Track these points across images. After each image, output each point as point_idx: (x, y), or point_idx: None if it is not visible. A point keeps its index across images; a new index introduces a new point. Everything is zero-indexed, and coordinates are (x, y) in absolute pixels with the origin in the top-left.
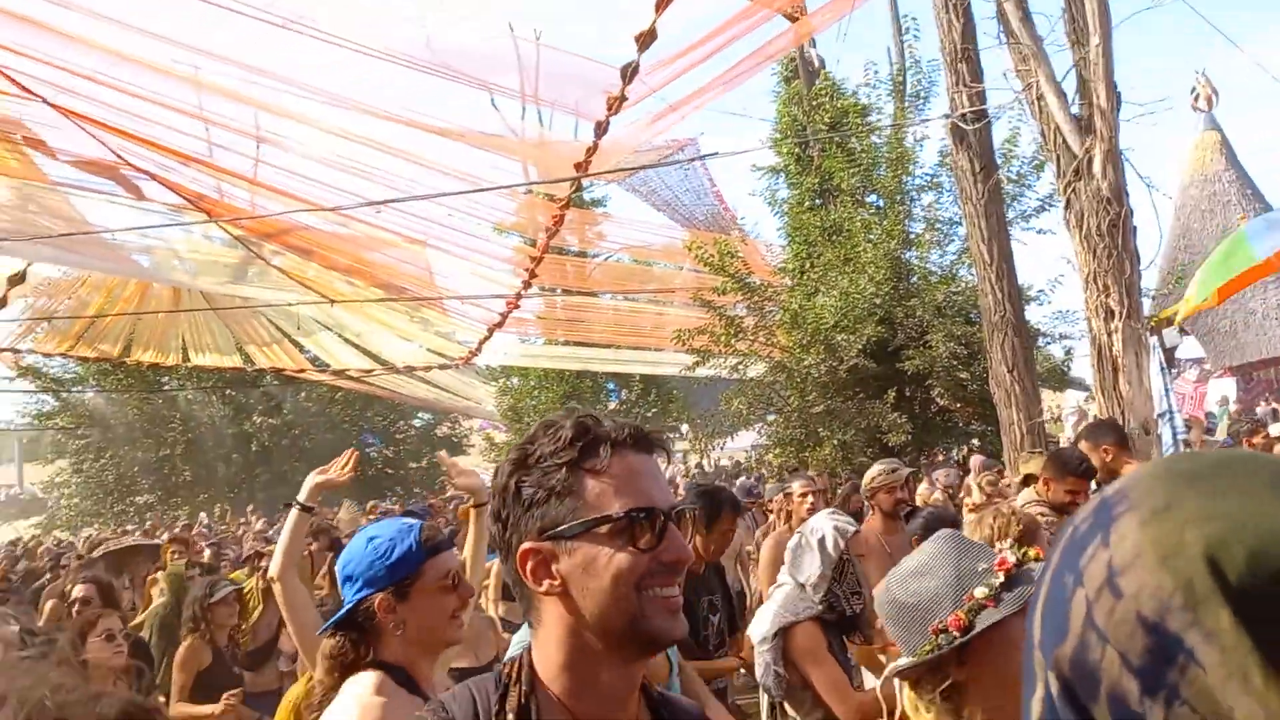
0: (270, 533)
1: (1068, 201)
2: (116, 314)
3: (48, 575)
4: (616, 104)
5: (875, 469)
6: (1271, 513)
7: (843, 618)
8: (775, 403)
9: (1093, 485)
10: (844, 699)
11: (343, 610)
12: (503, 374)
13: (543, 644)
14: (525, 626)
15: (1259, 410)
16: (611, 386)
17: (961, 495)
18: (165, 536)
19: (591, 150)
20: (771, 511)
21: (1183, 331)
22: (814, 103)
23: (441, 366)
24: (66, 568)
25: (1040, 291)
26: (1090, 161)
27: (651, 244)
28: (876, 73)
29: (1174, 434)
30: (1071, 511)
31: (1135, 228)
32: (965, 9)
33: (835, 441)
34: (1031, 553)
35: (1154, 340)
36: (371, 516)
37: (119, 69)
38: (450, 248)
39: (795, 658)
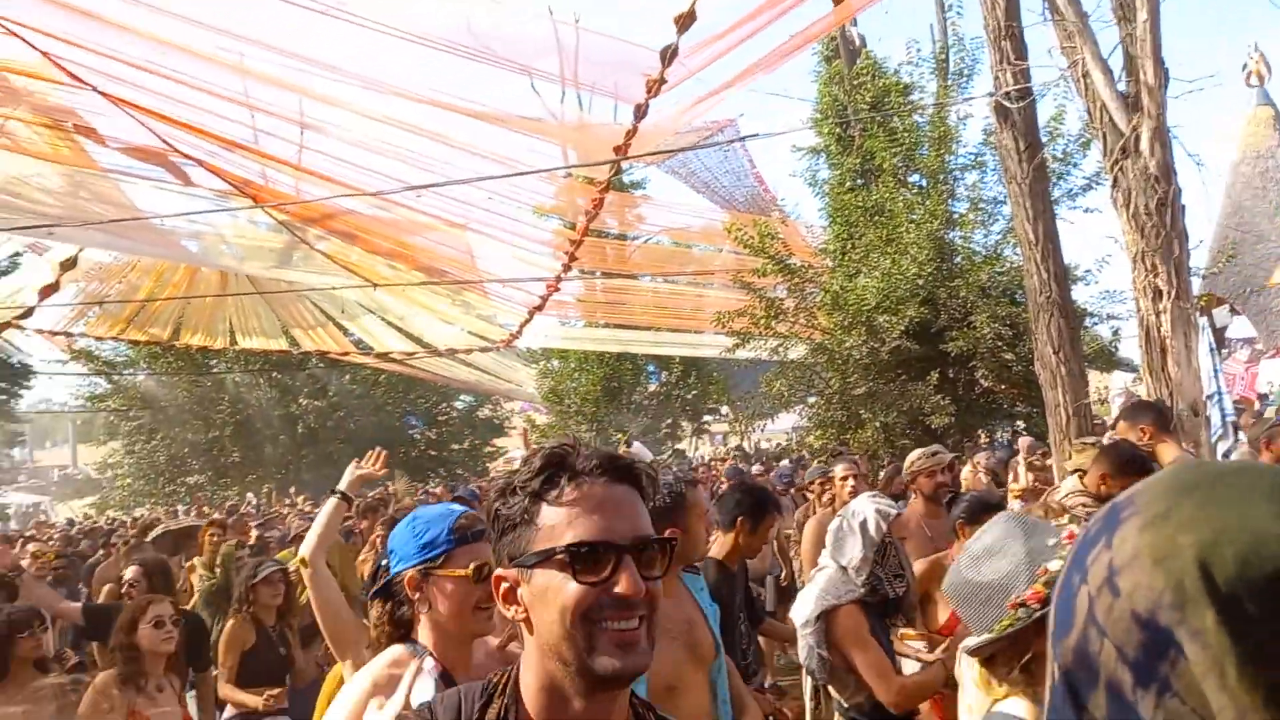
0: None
1: (1114, 180)
2: (166, 298)
3: (100, 553)
4: (656, 87)
5: (916, 453)
6: (1263, 520)
7: (885, 600)
8: (816, 385)
9: None
10: (887, 682)
11: (384, 580)
12: (543, 356)
13: (524, 664)
14: None
15: None
16: (652, 369)
17: (1010, 479)
18: (214, 516)
19: (631, 133)
20: (811, 494)
21: (1233, 311)
22: (855, 82)
23: (483, 349)
24: (115, 546)
25: (1087, 271)
26: (1137, 139)
27: (691, 226)
28: (919, 51)
29: (1222, 416)
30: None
31: (1184, 206)
32: None
33: (877, 424)
34: None
35: (1203, 320)
36: (419, 498)
37: (167, 57)
38: (491, 231)
39: (838, 640)
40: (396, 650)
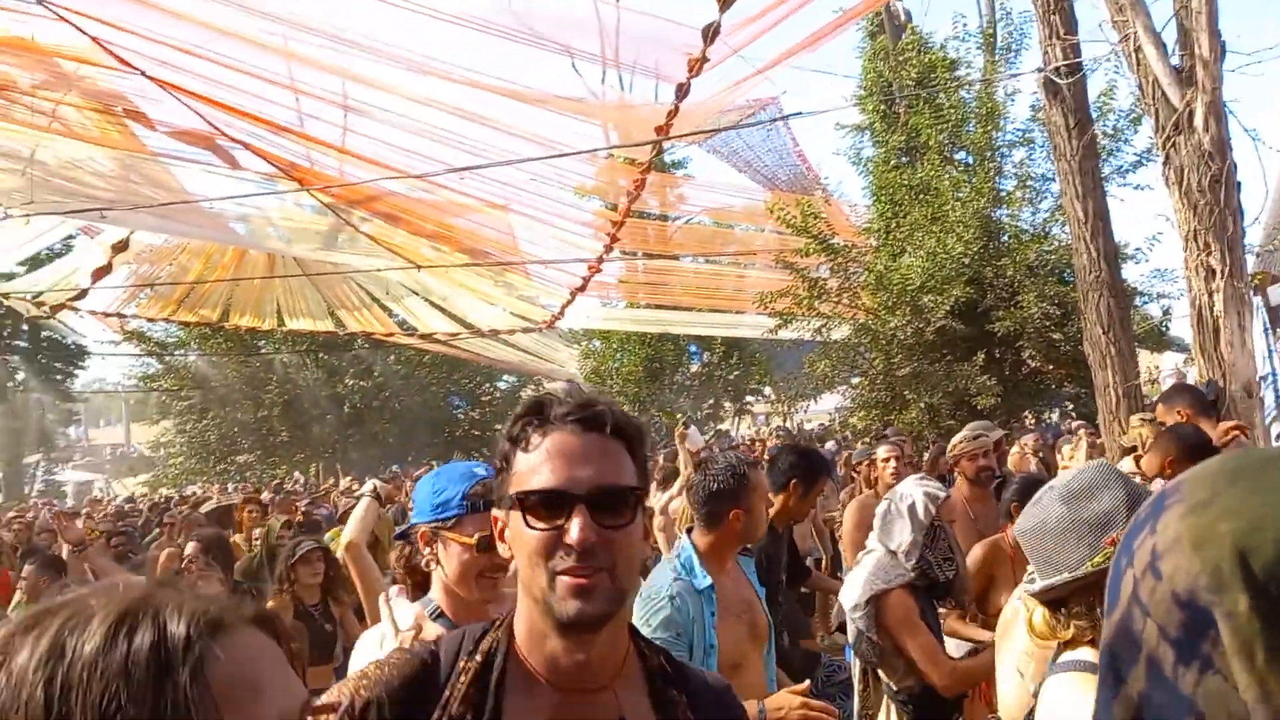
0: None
1: (1167, 157)
2: (215, 280)
3: (156, 530)
4: (697, 65)
5: (959, 435)
6: None
7: (934, 584)
8: (859, 365)
9: None
10: (939, 665)
11: (404, 527)
12: (585, 337)
13: (518, 602)
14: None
15: None
16: (693, 349)
17: (1067, 460)
18: (250, 494)
19: (672, 113)
20: (859, 475)
21: None
22: (900, 58)
23: (525, 330)
24: (172, 524)
25: (1137, 249)
26: (1191, 115)
27: (733, 206)
28: (965, 25)
29: (1277, 397)
30: None
31: (1239, 183)
32: None
33: (922, 404)
34: None
35: (1258, 300)
36: None
37: (213, 41)
38: (533, 212)
39: (888, 625)
40: (413, 606)
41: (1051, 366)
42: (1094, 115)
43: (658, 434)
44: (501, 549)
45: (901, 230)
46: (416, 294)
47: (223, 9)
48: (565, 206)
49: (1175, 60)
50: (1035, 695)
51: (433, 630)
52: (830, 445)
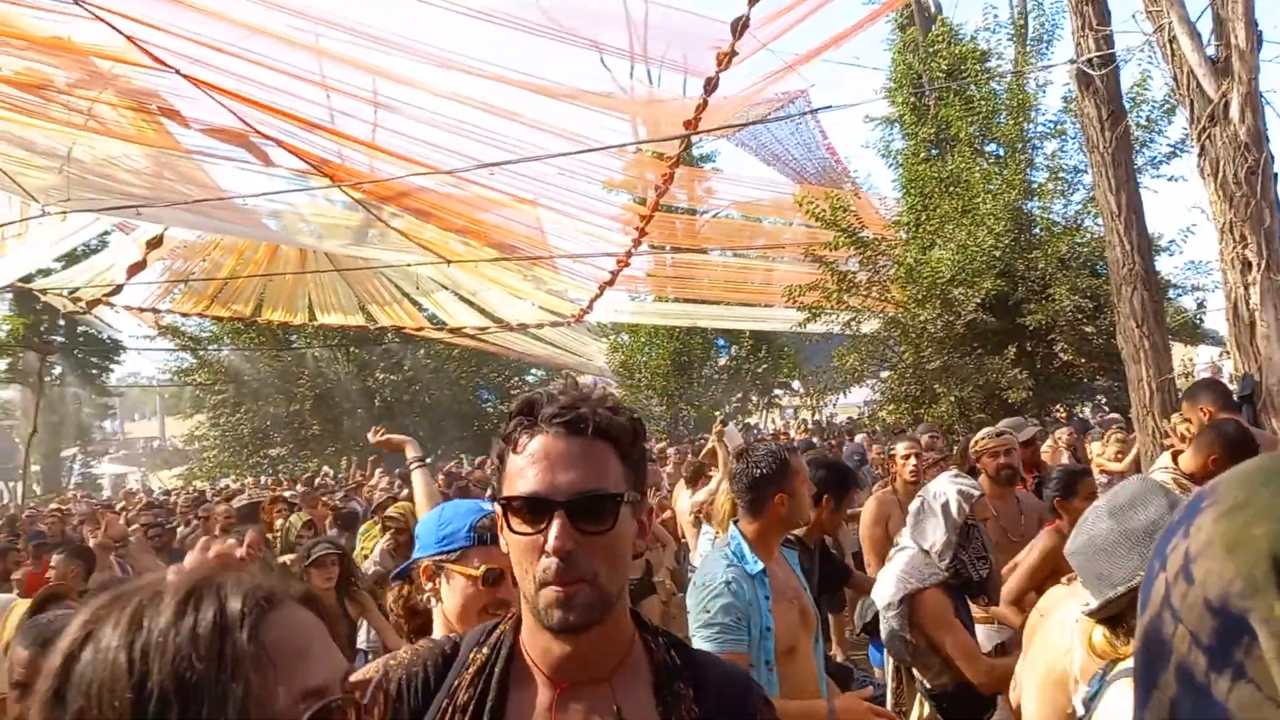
0: (394, 487)
1: (1202, 148)
2: (248, 275)
3: (195, 523)
4: (726, 60)
5: (984, 431)
6: None
7: (968, 582)
8: (889, 359)
9: None
10: (978, 664)
11: (405, 565)
12: (613, 331)
13: None
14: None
15: None
16: (722, 343)
17: (1098, 456)
18: (279, 493)
19: (701, 107)
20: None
21: None
22: (930, 49)
23: (554, 324)
24: (207, 517)
25: (1171, 242)
26: (1227, 105)
27: (761, 200)
28: (996, 16)
29: None
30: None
31: (1276, 174)
32: None
33: (952, 398)
34: None
35: None
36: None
37: (246, 40)
38: (561, 207)
39: (923, 623)
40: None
41: (1084, 360)
42: (1127, 106)
43: (685, 427)
44: (503, 542)
45: (932, 223)
46: (446, 288)
47: (255, 7)
48: (594, 201)
49: (1211, 50)
50: (1086, 702)
51: None
52: (859, 439)
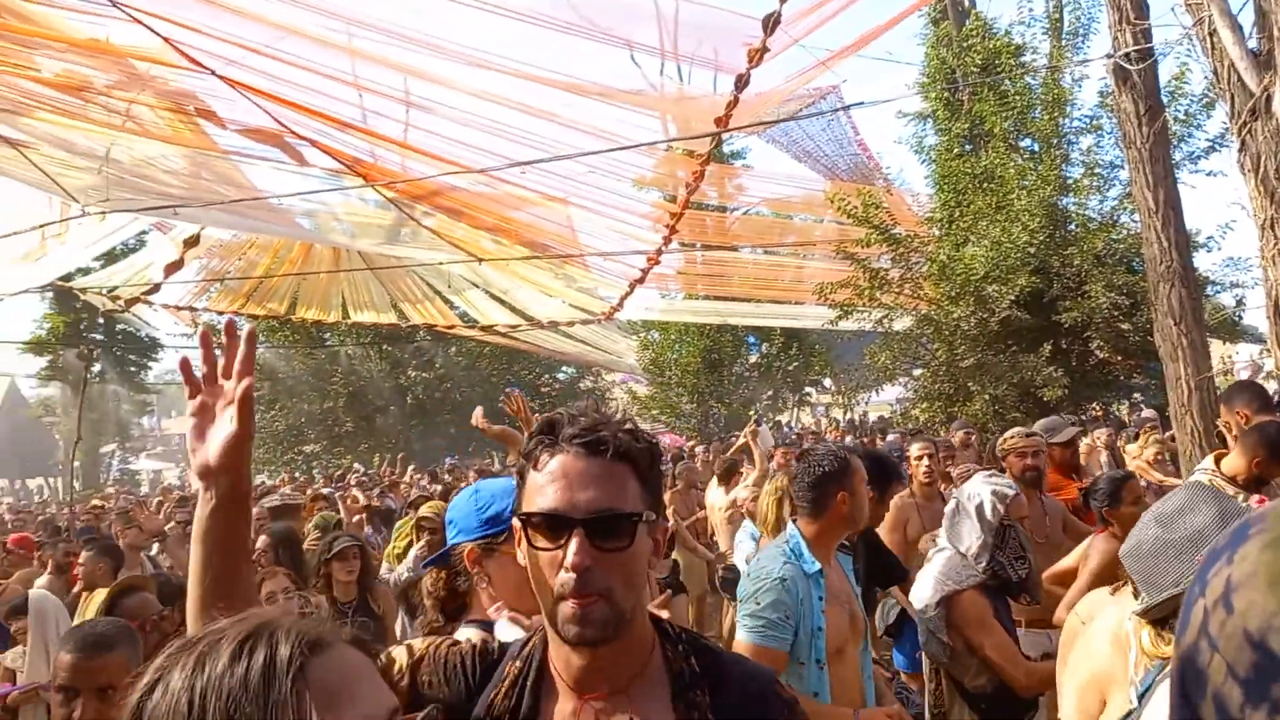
0: (426, 483)
1: (1243, 143)
2: (282, 274)
3: None
4: (758, 56)
5: (1014, 430)
6: None
7: (1006, 582)
8: (922, 356)
9: None
10: (1018, 666)
11: (442, 550)
12: (644, 328)
13: None
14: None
15: None
16: (752, 340)
17: (1139, 454)
18: (320, 490)
19: (732, 104)
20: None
21: None
22: (964, 44)
23: (584, 322)
24: None
25: (1209, 238)
26: (1269, 100)
27: (792, 196)
28: (1031, 10)
29: None
30: (1267, 491)
31: None
32: None
33: (986, 396)
34: None
35: None
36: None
37: (280, 41)
38: (591, 205)
39: (960, 626)
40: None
41: (1120, 358)
42: (1165, 100)
43: (716, 425)
44: (519, 555)
45: (965, 219)
46: (477, 286)
47: (289, 8)
48: (624, 199)
49: (1252, 43)
50: (1139, 699)
51: None
52: (892, 437)
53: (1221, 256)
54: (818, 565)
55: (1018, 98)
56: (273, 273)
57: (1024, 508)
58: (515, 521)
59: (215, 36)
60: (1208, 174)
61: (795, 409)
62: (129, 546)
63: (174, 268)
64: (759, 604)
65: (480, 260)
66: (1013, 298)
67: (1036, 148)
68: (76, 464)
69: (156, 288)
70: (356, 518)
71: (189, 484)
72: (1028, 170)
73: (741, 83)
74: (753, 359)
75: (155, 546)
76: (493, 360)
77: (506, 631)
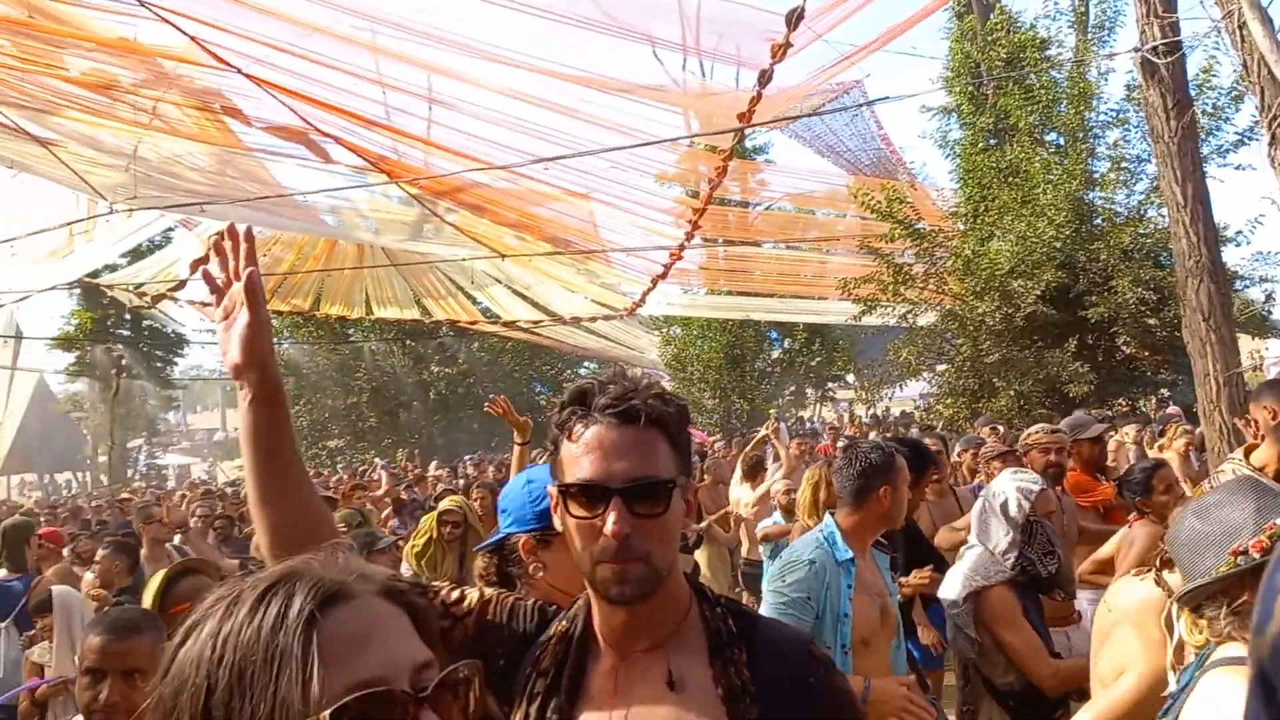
0: (445, 475)
1: (1272, 136)
2: (307, 270)
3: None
4: (781, 51)
5: (1038, 426)
6: None
7: (1036, 579)
8: (946, 351)
9: None
10: (1043, 664)
11: (496, 537)
12: (666, 324)
13: None
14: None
15: None
16: (774, 335)
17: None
18: (356, 481)
19: (755, 99)
20: (960, 463)
21: None
22: (989, 38)
23: (606, 317)
24: None
25: (1238, 232)
26: None
27: (815, 191)
28: (1056, 3)
29: None
30: None
31: None
32: None
33: (1011, 392)
34: None
35: None
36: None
37: (305, 39)
38: (614, 200)
39: (988, 622)
40: None
41: (1147, 353)
42: (1193, 94)
43: (738, 420)
44: (557, 521)
45: (990, 214)
46: (500, 282)
47: (314, 6)
48: (646, 194)
49: None
50: (1177, 695)
51: None
52: (915, 433)
53: (1250, 251)
54: (849, 554)
55: (1043, 92)
56: (297, 269)
57: (1051, 503)
58: (552, 489)
59: (241, 35)
60: (1236, 168)
61: (818, 404)
62: (152, 540)
63: (200, 264)
64: (784, 581)
65: (503, 256)
66: (1038, 293)
67: (1062, 142)
68: (103, 458)
69: (182, 284)
70: (385, 511)
71: (215, 479)
72: (1053, 164)
73: (765, 78)
74: (775, 354)
75: (178, 538)
76: (515, 356)
77: None
